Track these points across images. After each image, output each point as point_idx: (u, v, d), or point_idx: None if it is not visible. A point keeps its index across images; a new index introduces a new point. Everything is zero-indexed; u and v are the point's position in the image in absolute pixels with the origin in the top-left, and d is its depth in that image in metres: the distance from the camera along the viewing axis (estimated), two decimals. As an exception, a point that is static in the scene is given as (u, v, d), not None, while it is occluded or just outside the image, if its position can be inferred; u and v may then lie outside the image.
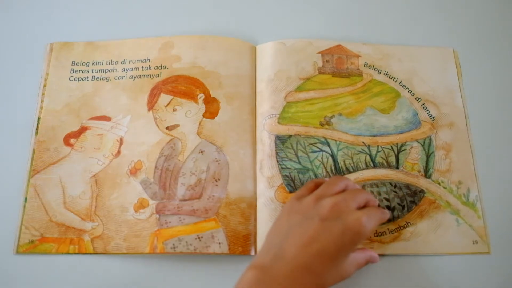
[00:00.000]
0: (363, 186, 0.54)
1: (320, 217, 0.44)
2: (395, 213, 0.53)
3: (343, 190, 0.47)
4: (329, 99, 0.58)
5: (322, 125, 0.57)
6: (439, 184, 0.55)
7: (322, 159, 0.55)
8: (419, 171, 0.55)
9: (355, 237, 0.43)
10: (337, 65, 0.60)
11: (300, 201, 0.47)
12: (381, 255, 0.51)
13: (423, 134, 0.57)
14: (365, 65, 0.60)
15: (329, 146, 0.56)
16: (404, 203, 0.53)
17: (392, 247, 0.51)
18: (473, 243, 0.52)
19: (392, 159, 0.55)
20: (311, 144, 0.56)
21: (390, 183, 0.54)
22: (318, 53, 0.60)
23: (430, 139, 0.57)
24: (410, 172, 0.55)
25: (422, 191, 0.54)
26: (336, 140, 0.56)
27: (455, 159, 0.56)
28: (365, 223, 0.43)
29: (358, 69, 0.60)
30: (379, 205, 0.51)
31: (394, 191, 0.54)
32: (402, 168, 0.55)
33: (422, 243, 0.52)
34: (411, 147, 0.56)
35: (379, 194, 0.54)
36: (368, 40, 0.62)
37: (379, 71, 0.60)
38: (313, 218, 0.44)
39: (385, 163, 0.55)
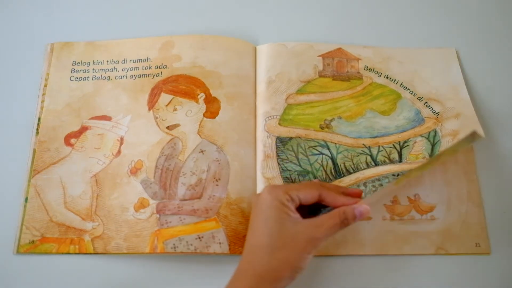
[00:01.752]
0: (364, 184, 0.53)
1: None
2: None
3: None
4: (329, 103, 0.58)
5: (322, 128, 0.57)
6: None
7: (322, 162, 0.55)
8: (424, 158, 0.55)
9: (264, 199, 0.44)
10: (338, 68, 0.60)
11: None
12: (381, 255, 0.51)
13: (427, 129, 0.56)
14: (365, 68, 0.60)
15: (328, 149, 0.56)
16: None
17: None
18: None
19: (395, 155, 0.55)
20: (311, 147, 0.56)
21: (393, 175, 0.54)
22: (319, 56, 0.61)
23: (435, 132, 0.56)
24: (414, 161, 0.54)
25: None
26: (335, 143, 0.56)
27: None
28: (267, 188, 0.45)
29: (358, 72, 0.60)
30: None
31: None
32: (405, 161, 0.55)
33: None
34: (415, 142, 0.56)
35: (381, 186, 0.53)
36: (368, 43, 0.62)
37: (379, 74, 0.60)
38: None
39: (387, 161, 0.55)
